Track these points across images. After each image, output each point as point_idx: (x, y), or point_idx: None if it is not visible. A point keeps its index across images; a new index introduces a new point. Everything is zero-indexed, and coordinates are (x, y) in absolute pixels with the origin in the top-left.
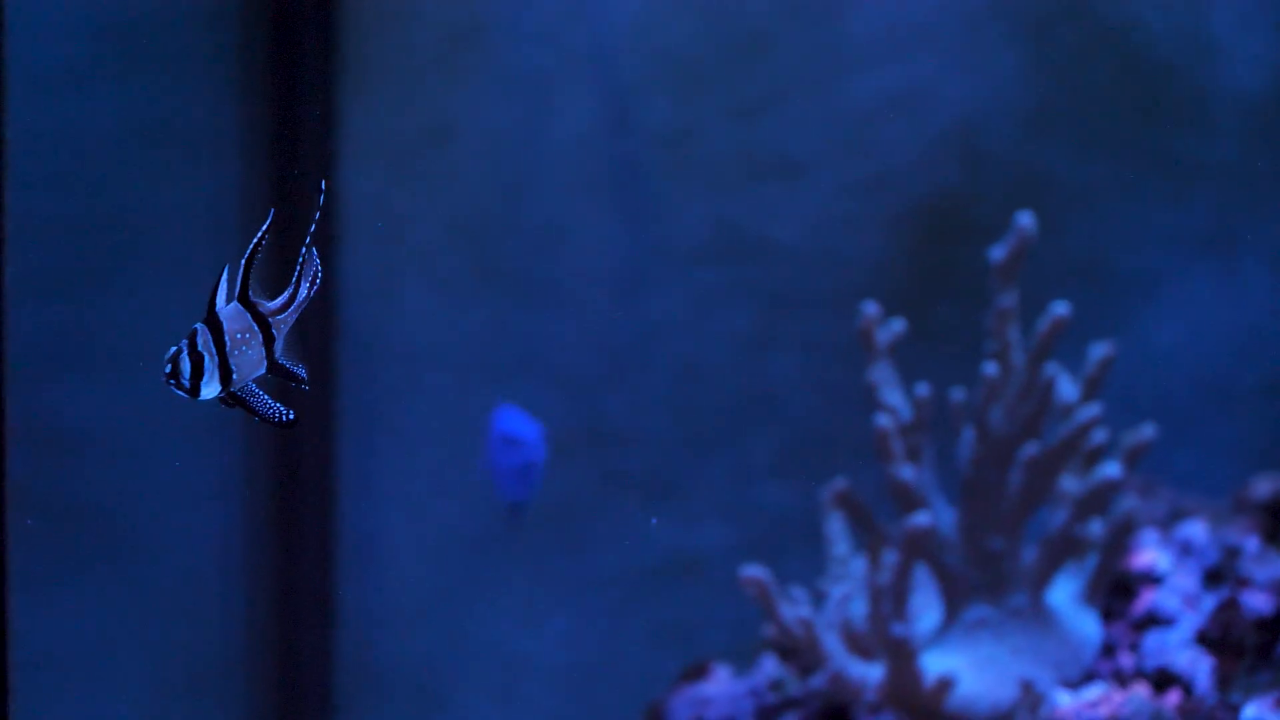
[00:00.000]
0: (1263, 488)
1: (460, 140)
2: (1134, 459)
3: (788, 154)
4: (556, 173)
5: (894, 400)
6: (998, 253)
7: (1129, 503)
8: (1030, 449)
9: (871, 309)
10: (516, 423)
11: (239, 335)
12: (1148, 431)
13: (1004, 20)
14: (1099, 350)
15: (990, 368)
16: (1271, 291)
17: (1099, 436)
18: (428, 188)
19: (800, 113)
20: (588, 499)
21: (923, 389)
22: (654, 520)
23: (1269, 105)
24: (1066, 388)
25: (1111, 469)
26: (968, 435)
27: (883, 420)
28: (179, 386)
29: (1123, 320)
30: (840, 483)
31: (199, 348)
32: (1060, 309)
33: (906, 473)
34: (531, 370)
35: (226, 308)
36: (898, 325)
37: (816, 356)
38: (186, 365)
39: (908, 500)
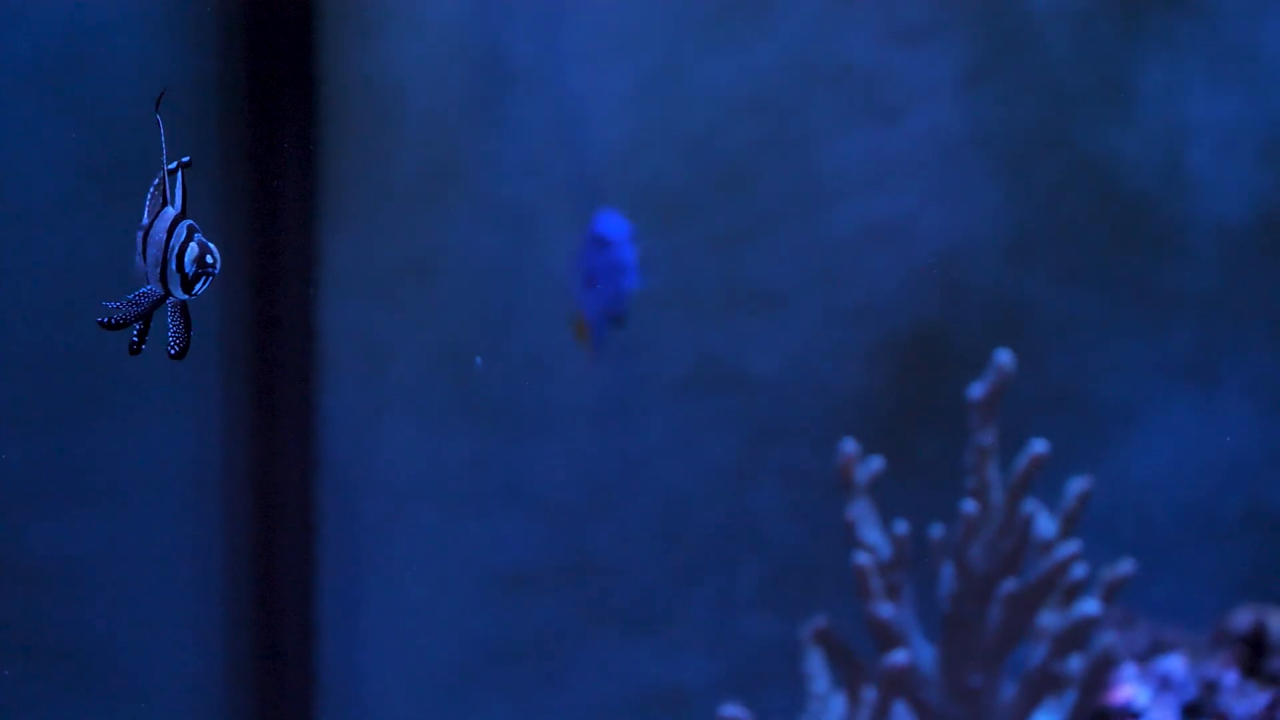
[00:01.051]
0: (1242, 619)
1: (442, 273)
2: (1113, 594)
3: (769, 285)
4: (540, 304)
5: (873, 538)
6: (977, 390)
7: (1108, 638)
8: (1009, 585)
9: (849, 447)
10: (611, 224)
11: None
12: (1126, 567)
13: (984, 152)
14: (1076, 485)
15: (969, 505)
16: (1252, 420)
17: (1078, 572)
18: (410, 320)
19: (781, 244)
20: (570, 631)
21: (901, 526)
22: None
23: (1248, 236)
24: (1045, 523)
25: (1090, 606)
26: (947, 572)
27: (861, 558)
28: (208, 273)
29: (1103, 450)
30: (819, 620)
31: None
32: (1039, 446)
33: (885, 610)
34: (515, 502)
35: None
36: (876, 463)
37: (799, 487)
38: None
39: (886, 638)
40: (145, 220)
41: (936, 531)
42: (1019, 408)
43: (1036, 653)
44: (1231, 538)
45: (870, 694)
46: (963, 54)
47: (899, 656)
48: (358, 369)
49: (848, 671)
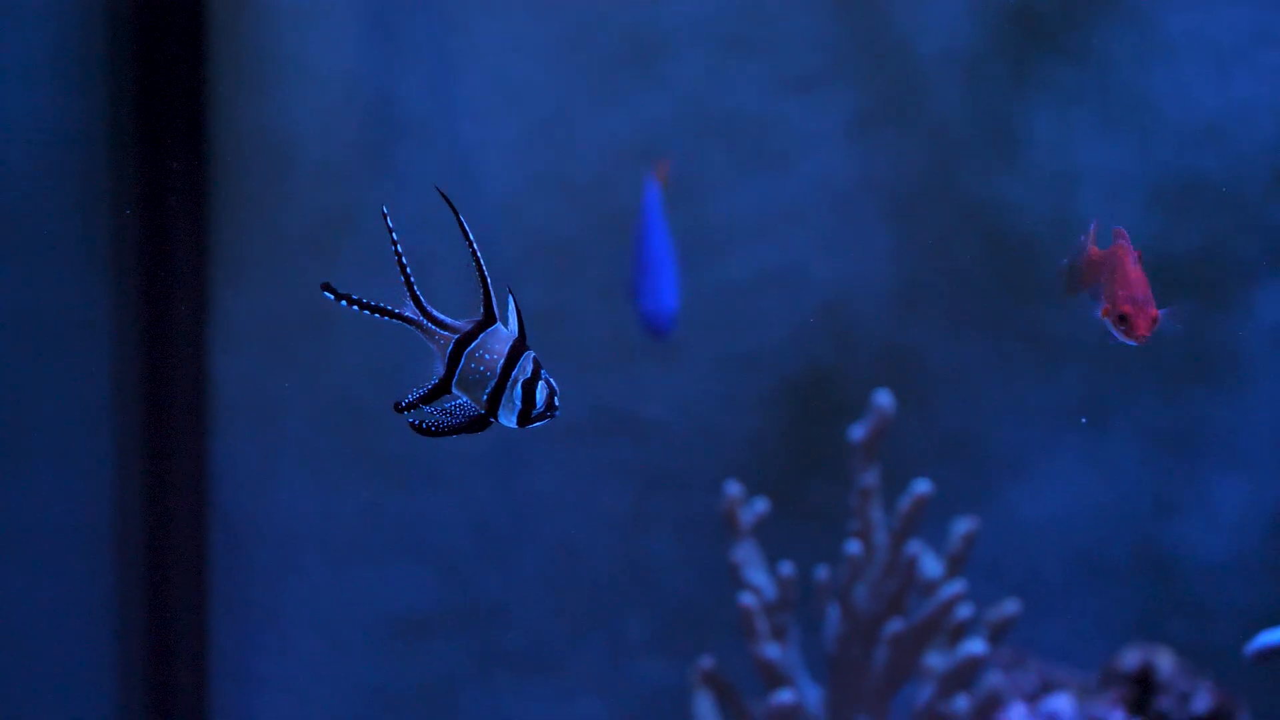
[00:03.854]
0: (1130, 659)
1: (335, 323)
2: (998, 634)
3: None
4: (432, 354)
5: (758, 579)
6: (857, 432)
7: (994, 678)
8: (894, 626)
9: (734, 489)
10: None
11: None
12: (1011, 607)
13: (873, 199)
14: (962, 526)
15: (853, 546)
16: (1140, 464)
17: (963, 613)
18: (303, 370)
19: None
20: (463, 676)
21: (787, 568)
22: None
23: None
24: (930, 564)
25: (975, 645)
26: (832, 613)
27: (747, 599)
28: (552, 415)
29: (993, 495)
30: (706, 661)
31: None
32: (922, 487)
33: (771, 651)
34: (408, 549)
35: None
36: (760, 505)
37: (691, 533)
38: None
39: (773, 678)
40: (458, 324)
41: (821, 573)
42: (909, 453)
43: (923, 693)
44: (1120, 581)
45: None
46: (852, 102)
47: (785, 696)
48: (250, 419)
49: (735, 713)
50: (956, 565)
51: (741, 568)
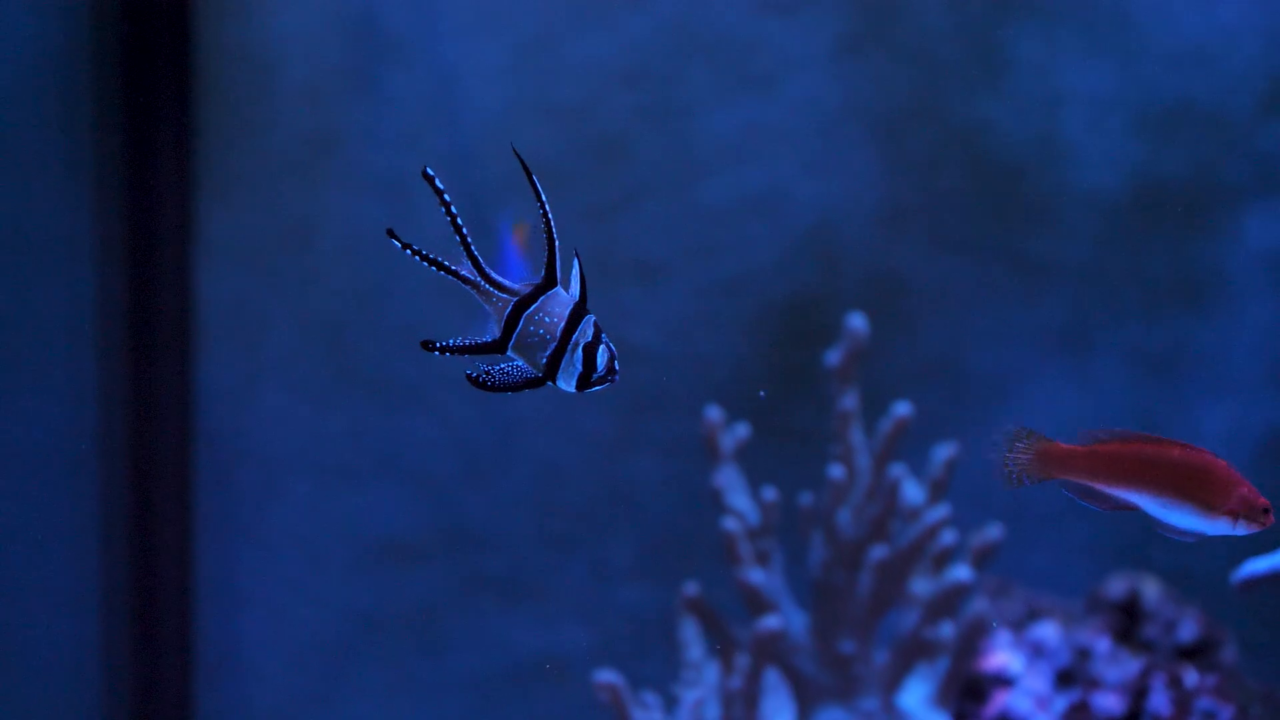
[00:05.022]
0: (1116, 587)
1: (319, 244)
2: (983, 560)
3: (645, 256)
4: (415, 276)
5: (741, 504)
6: (833, 357)
7: (979, 605)
8: (878, 552)
9: (714, 414)
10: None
11: None
12: (994, 532)
13: (858, 122)
14: (942, 452)
15: (835, 470)
16: (1125, 389)
17: (948, 538)
18: (287, 291)
19: (657, 215)
20: (446, 600)
21: (770, 493)
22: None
23: (1120, 206)
24: (913, 490)
25: (960, 572)
26: (816, 538)
27: (730, 524)
28: (611, 380)
29: (978, 419)
30: (691, 588)
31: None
32: (902, 409)
33: (755, 576)
34: (391, 472)
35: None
36: (742, 430)
37: (675, 457)
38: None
39: (757, 604)
40: (517, 286)
41: (805, 499)
42: (893, 377)
43: (908, 619)
44: None
45: (743, 661)
46: (837, 24)
47: (770, 622)
48: (234, 339)
49: (720, 639)
50: (939, 491)
51: (724, 492)
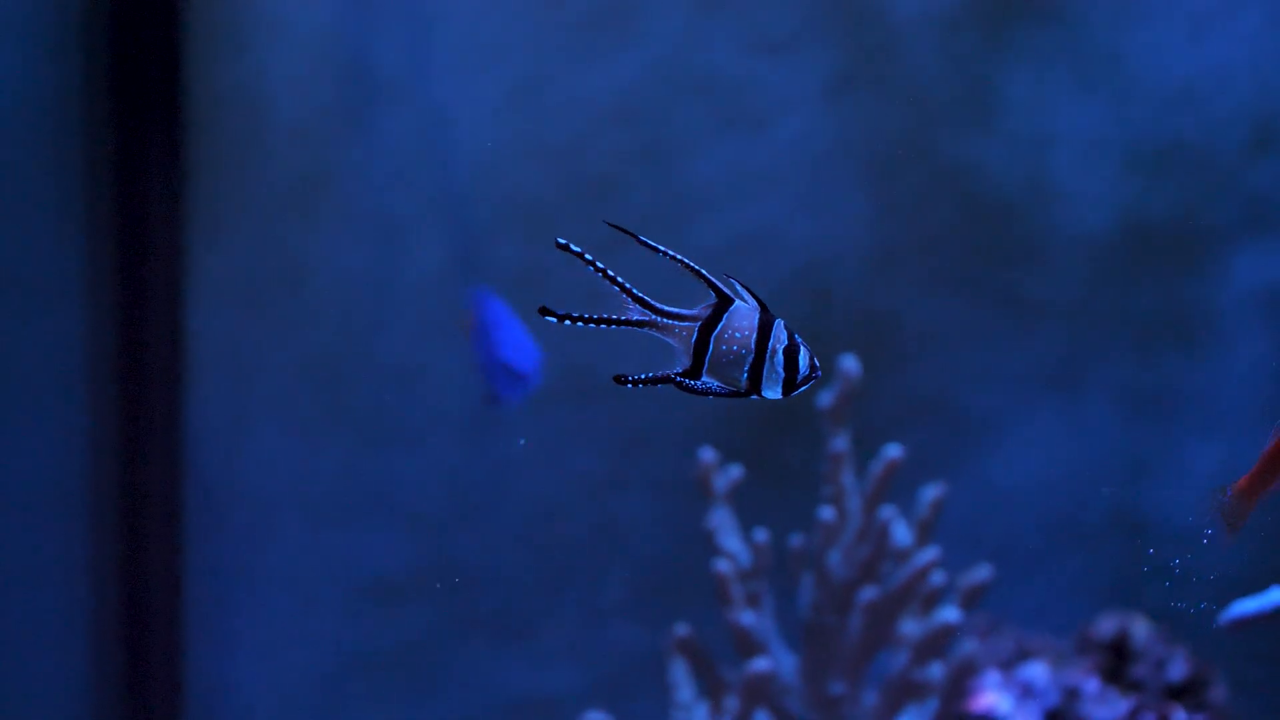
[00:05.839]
0: (1106, 626)
1: (310, 283)
2: (972, 600)
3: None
4: (407, 314)
5: (733, 545)
6: (825, 398)
7: (969, 645)
8: (868, 593)
9: (708, 455)
10: (519, 352)
11: None
12: (983, 573)
13: (849, 162)
14: (930, 492)
15: (826, 512)
16: (1116, 428)
17: (937, 579)
18: (277, 330)
19: (648, 254)
20: (438, 640)
21: (761, 534)
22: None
23: (1111, 245)
24: (903, 532)
25: (949, 613)
26: (807, 581)
27: (722, 566)
28: (815, 378)
29: (969, 460)
30: (682, 629)
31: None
32: (893, 451)
33: (746, 618)
34: (383, 511)
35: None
36: (735, 471)
37: (667, 496)
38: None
39: (748, 646)
40: (695, 312)
41: (796, 540)
42: (885, 417)
43: (897, 660)
44: (1096, 545)
45: (732, 702)
46: (828, 64)
47: (760, 664)
48: (226, 379)
49: (710, 680)
50: (926, 532)
51: (716, 533)
